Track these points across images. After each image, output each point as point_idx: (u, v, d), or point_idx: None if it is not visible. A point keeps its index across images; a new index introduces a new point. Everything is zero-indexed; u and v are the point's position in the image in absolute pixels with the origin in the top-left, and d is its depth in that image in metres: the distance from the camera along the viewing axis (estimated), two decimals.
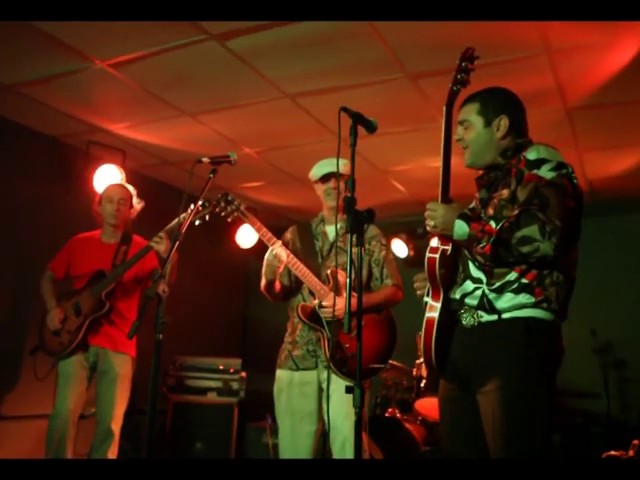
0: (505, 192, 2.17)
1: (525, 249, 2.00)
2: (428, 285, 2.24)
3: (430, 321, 2.18)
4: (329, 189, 3.32)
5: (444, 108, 2.28)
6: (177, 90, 4.04)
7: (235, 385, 5.16)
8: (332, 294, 3.12)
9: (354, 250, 2.08)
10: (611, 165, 5.14)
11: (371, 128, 2.27)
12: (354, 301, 2.04)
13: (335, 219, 3.33)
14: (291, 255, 3.21)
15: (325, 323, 3.14)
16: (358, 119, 2.21)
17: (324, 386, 3.12)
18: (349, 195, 2.01)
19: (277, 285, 3.31)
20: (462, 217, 2.11)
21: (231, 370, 5.22)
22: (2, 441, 4.28)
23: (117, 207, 3.90)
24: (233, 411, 5.10)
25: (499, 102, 2.32)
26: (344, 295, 3.10)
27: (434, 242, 2.20)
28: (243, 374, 5.23)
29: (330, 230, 3.38)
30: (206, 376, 5.20)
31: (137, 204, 4.04)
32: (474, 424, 2.13)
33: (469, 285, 2.18)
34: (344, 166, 3.12)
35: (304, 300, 3.27)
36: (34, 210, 4.59)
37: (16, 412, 4.37)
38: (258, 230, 3.24)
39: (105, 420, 3.69)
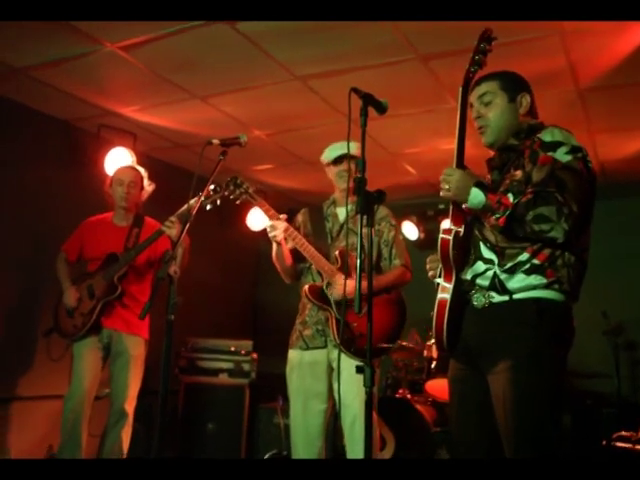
0: (519, 173, 2.17)
1: (539, 227, 2.00)
2: (440, 266, 2.24)
3: (442, 302, 2.18)
4: (341, 171, 3.33)
5: (460, 89, 2.25)
6: (187, 73, 4.04)
7: (246, 366, 5.20)
8: (340, 274, 3.15)
9: (364, 231, 2.09)
10: (624, 147, 5.10)
11: (381, 109, 2.26)
12: (364, 283, 2.05)
13: (346, 200, 3.34)
14: (299, 236, 3.24)
15: (333, 303, 3.17)
16: (368, 100, 2.20)
17: (334, 365, 3.17)
18: (359, 176, 2.01)
19: (290, 268, 3.36)
20: (478, 185, 2.10)
21: (242, 352, 5.25)
22: (18, 421, 4.35)
23: (127, 190, 3.92)
24: (244, 392, 5.13)
25: (518, 80, 2.32)
26: (353, 276, 3.12)
27: (446, 224, 2.20)
28: (254, 355, 5.26)
29: (341, 211, 3.40)
30: (218, 357, 5.23)
31: (148, 186, 4.05)
32: (484, 404, 2.14)
33: (480, 266, 2.18)
34: (356, 149, 3.16)
35: (313, 280, 3.31)
36: (46, 193, 4.62)
37: (32, 392, 4.43)
38: (266, 212, 3.27)
39: (119, 401, 3.74)
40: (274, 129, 5.00)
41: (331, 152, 3.38)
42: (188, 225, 2.64)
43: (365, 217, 2.03)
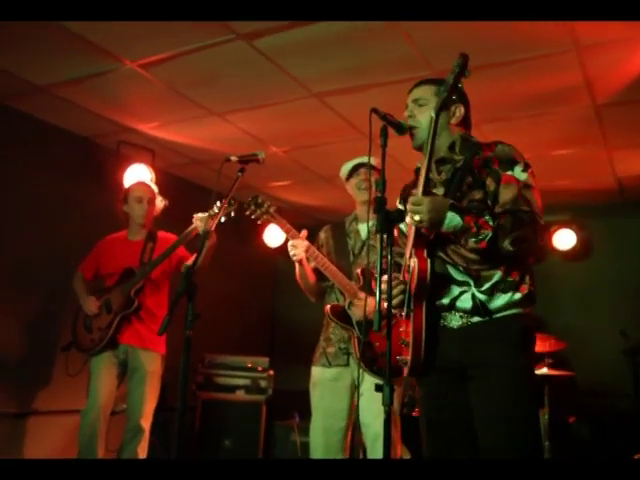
0: (478, 194, 2.17)
1: (520, 248, 2.06)
2: (407, 294, 2.19)
3: (418, 328, 2.13)
4: (360, 182, 3.33)
5: (432, 115, 2.16)
6: (205, 90, 4.08)
7: (263, 383, 5.20)
8: (362, 293, 3.14)
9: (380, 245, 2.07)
10: None
11: (401, 130, 2.26)
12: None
13: (367, 215, 3.35)
14: (320, 256, 3.25)
15: (355, 322, 3.16)
16: (388, 121, 2.20)
17: (357, 383, 3.16)
18: (379, 195, 2.01)
19: (314, 287, 3.39)
20: (453, 208, 2.07)
21: (259, 368, 5.25)
22: (35, 436, 4.37)
23: (147, 207, 3.97)
24: (261, 409, 5.13)
25: (457, 91, 2.25)
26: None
27: (411, 262, 2.13)
28: (271, 372, 5.26)
29: (362, 228, 3.39)
30: (234, 374, 5.24)
31: (159, 202, 4.10)
32: (462, 421, 2.15)
33: (455, 289, 2.18)
34: (373, 159, 3.16)
35: (337, 299, 3.30)
36: (66, 209, 4.66)
37: (49, 407, 4.44)
38: (287, 232, 3.28)
39: (135, 417, 3.75)
40: (291, 146, 5.03)
41: (346, 165, 3.40)
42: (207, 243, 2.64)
43: (385, 236, 2.01)
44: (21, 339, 4.36)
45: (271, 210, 3.29)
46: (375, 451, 3.05)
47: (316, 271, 3.33)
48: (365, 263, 3.25)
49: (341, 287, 3.23)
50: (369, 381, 3.02)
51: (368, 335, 3.10)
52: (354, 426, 3.27)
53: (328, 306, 3.26)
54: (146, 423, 3.77)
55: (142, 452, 3.76)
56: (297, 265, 3.30)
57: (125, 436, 3.79)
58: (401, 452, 3.83)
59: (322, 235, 3.52)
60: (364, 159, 3.31)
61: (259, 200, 3.29)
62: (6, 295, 4.26)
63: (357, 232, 3.40)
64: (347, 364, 3.20)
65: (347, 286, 3.20)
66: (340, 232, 3.45)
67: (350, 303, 3.19)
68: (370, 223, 3.33)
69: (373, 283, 3.09)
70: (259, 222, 3.32)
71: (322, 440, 3.19)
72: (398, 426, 3.20)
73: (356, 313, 3.15)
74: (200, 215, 3.59)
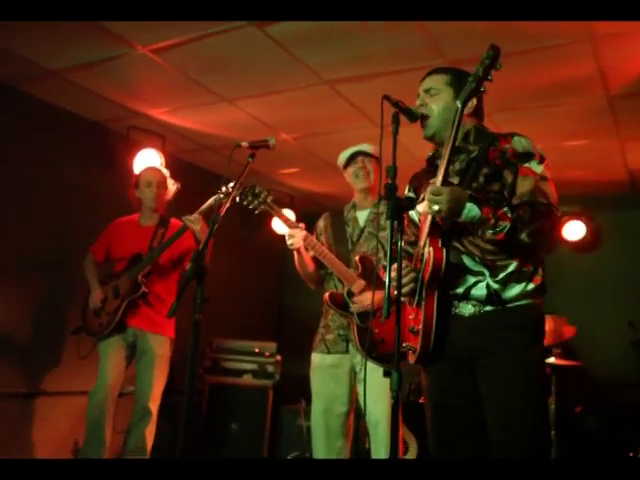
0: (496, 185, 2.17)
1: (538, 240, 2.09)
2: (418, 283, 2.20)
3: (429, 316, 2.14)
4: (357, 170, 3.35)
5: (458, 105, 2.13)
6: (216, 75, 4.08)
7: (270, 368, 5.23)
8: (360, 280, 3.16)
9: (384, 234, 2.07)
10: None
11: (412, 117, 2.26)
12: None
13: (366, 202, 3.39)
14: (318, 244, 3.28)
15: (353, 310, 3.19)
16: (399, 107, 2.19)
17: (357, 370, 3.19)
18: (390, 182, 2.01)
19: (313, 275, 3.42)
20: (472, 199, 2.08)
21: (266, 353, 5.28)
22: (45, 415, 4.42)
23: (157, 191, 3.98)
24: (268, 393, 5.16)
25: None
26: (371, 285, 3.16)
27: (426, 251, 2.14)
28: (278, 357, 5.29)
29: (361, 215, 3.41)
30: (242, 358, 5.28)
31: (172, 186, 4.11)
32: (470, 408, 2.17)
33: (470, 279, 2.18)
34: (369, 147, 3.27)
35: (335, 287, 3.32)
36: (76, 193, 4.68)
37: (58, 388, 4.49)
38: (284, 221, 3.31)
39: (143, 399, 3.78)
40: (301, 133, 5.02)
41: (344, 153, 3.42)
42: (216, 226, 2.65)
43: (396, 223, 2.01)
44: (32, 322, 4.40)
45: (268, 200, 3.32)
46: (377, 436, 3.09)
47: (315, 259, 3.36)
48: (363, 250, 3.27)
49: (339, 274, 3.25)
50: (368, 367, 3.03)
51: (366, 322, 3.13)
52: (357, 413, 3.30)
53: (327, 294, 3.29)
54: (154, 406, 3.80)
55: (149, 434, 3.80)
56: (295, 254, 3.34)
57: (133, 418, 3.83)
58: (403, 435, 3.85)
59: (321, 223, 3.54)
60: (361, 147, 3.35)
61: (256, 190, 3.32)
62: (17, 278, 4.30)
63: (355, 220, 3.41)
64: (346, 351, 3.23)
65: (345, 273, 3.23)
66: (338, 220, 3.47)
67: (349, 290, 3.21)
68: (368, 211, 3.36)
69: (382, 272, 3.09)
70: (256, 212, 3.34)
71: (323, 424, 3.23)
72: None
73: (356, 305, 3.18)
74: (192, 218, 3.61)
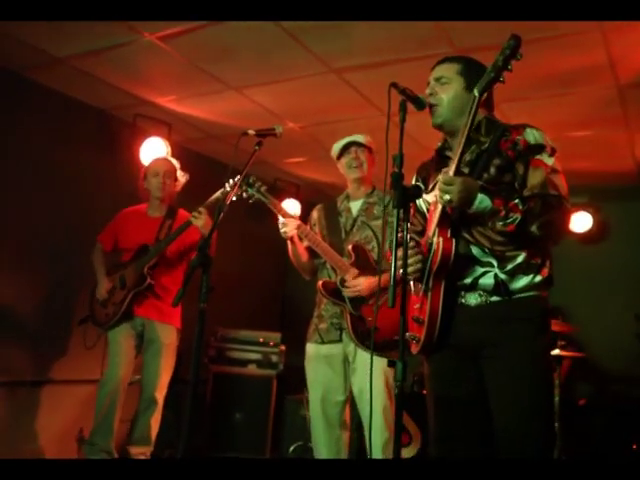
0: (507, 176, 2.17)
1: (548, 233, 2.09)
2: (425, 272, 2.19)
3: (435, 306, 2.14)
4: (350, 160, 3.37)
5: (476, 94, 2.12)
6: (223, 64, 4.05)
7: (274, 358, 5.24)
8: (353, 269, 3.18)
9: (378, 223, 2.06)
10: None
11: (420, 105, 2.24)
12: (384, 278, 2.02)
13: (359, 192, 3.42)
14: (311, 233, 3.30)
15: (347, 298, 3.18)
16: (407, 95, 2.17)
17: (350, 359, 3.20)
18: (397, 171, 2.00)
19: (306, 264, 3.44)
20: (483, 190, 2.07)
21: (271, 343, 5.30)
22: (52, 403, 4.44)
23: (163, 180, 3.98)
24: (272, 383, 5.17)
25: (481, 71, 2.18)
26: (366, 274, 3.17)
27: (434, 241, 2.13)
28: (282, 347, 5.29)
29: (354, 205, 3.43)
30: (246, 348, 5.28)
31: (181, 177, 4.10)
32: (474, 398, 2.17)
33: (478, 269, 2.17)
34: (362, 138, 3.28)
35: (329, 276, 3.34)
36: (82, 181, 4.68)
37: (64, 377, 4.50)
38: (278, 211, 3.33)
39: (150, 388, 3.80)
40: (308, 121, 5.00)
41: (337, 145, 3.43)
42: (222, 215, 2.63)
43: (402, 211, 2.00)
44: (39, 310, 4.40)
45: (262, 189, 3.35)
46: (371, 425, 3.05)
47: (309, 249, 3.38)
48: (356, 240, 3.27)
49: (332, 263, 3.27)
50: (362, 356, 3.08)
51: (360, 310, 3.13)
52: (352, 403, 3.31)
53: (320, 282, 3.30)
54: (160, 395, 3.82)
55: (155, 423, 3.82)
56: (289, 243, 3.36)
57: (139, 407, 3.84)
58: (406, 428, 3.85)
59: (314, 214, 3.56)
60: (355, 137, 3.37)
61: (250, 180, 3.34)
62: (24, 266, 4.30)
63: (348, 210, 3.42)
64: (340, 339, 3.24)
65: (338, 262, 3.24)
66: (332, 210, 3.48)
67: (342, 279, 3.22)
68: (361, 201, 3.35)
69: (389, 254, 3.09)
70: (251, 202, 3.36)
71: (321, 413, 3.24)
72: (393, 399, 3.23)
73: (349, 291, 3.17)
74: (196, 213, 3.63)
